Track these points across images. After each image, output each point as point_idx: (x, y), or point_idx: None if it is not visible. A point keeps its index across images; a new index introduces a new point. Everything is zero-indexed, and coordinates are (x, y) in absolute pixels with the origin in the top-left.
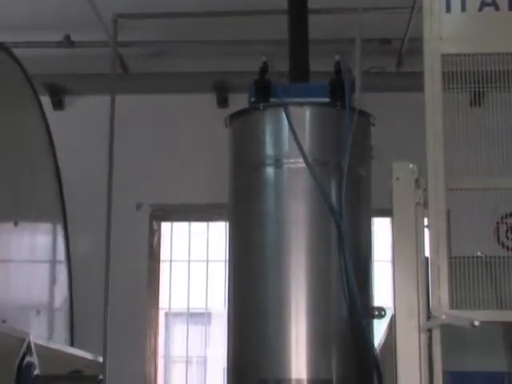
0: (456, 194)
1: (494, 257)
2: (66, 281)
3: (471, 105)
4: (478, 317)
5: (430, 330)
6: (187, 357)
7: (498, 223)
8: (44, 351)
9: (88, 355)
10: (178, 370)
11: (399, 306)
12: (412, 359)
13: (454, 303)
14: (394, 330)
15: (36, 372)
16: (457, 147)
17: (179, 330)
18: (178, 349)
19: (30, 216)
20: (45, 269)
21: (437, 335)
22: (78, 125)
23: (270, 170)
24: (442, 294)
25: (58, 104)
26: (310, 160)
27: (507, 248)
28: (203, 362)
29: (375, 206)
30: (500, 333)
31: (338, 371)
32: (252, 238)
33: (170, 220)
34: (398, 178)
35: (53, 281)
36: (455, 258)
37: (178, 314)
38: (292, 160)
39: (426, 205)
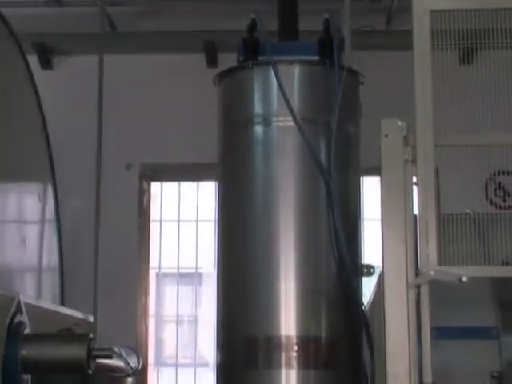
0: (445, 151)
1: (483, 214)
2: (55, 241)
3: (461, 63)
4: (465, 272)
5: (418, 287)
6: (178, 316)
7: (487, 181)
8: (34, 310)
9: (78, 314)
10: (169, 330)
11: (387, 263)
12: (400, 315)
13: (443, 259)
14: (383, 287)
15: (26, 331)
16: (446, 104)
17: (170, 290)
18: (168, 309)
19: (19, 177)
20: (34, 229)
21: (425, 291)
22: (66, 85)
23: (258, 129)
24: (430, 251)
25: (46, 64)
26: (298, 118)
27: (496, 205)
28: (194, 321)
29: (365, 164)
30: (488, 288)
31: (327, 328)
32: (240, 196)
33: (160, 180)
34: (386, 135)
35: (42, 241)
36: (444, 215)
37: (168, 275)
38: (281, 118)
39: (414, 162)
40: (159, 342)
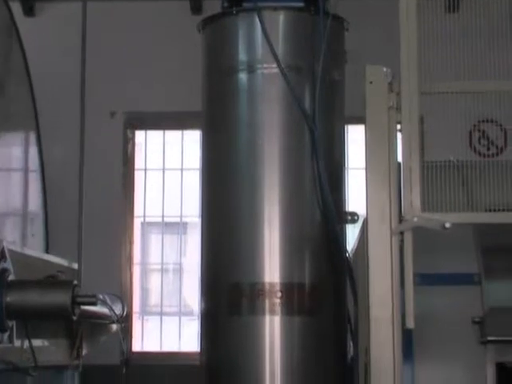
0: (430, 98)
1: (467, 162)
2: (39, 189)
3: (446, 11)
4: (449, 219)
5: (401, 233)
6: (162, 265)
7: (471, 129)
8: (18, 257)
9: (63, 262)
10: (153, 279)
11: (371, 210)
12: (384, 262)
13: (426, 206)
14: (366, 234)
15: (10, 277)
16: (431, 52)
17: (155, 239)
18: (153, 258)
19: (2, 124)
20: (18, 177)
21: (408, 237)
22: (49, 32)
23: (242, 76)
24: (413, 197)
25: (29, 11)
26: (283, 65)
27: (479, 153)
28: (179, 270)
29: (350, 113)
30: (470, 235)
31: (311, 275)
32: (225, 144)
33: (144, 128)
34: (371, 82)
35: (27, 189)
36: (428, 162)
37: (153, 224)
38: (265, 65)
39: (399, 109)
40: (144, 291)
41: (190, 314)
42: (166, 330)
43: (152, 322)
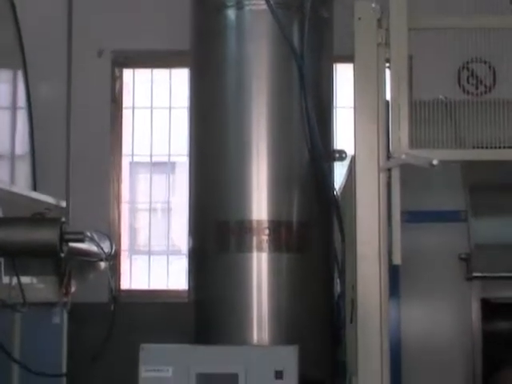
0: (419, 35)
1: (455, 100)
2: (27, 127)
3: None
4: (437, 156)
5: (389, 170)
6: (151, 204)
7: (460, 68)
8: (6, 195)
9: (50, 199)
10: (142, 218)
11: (359, 147)
12: (371, 199)
13: (414, 143)
14: (354, 171)
15: None
16: None
17: (143, 179)
18: (142, 197)
19: None
20: (5, 116)
21: (396, 175)
22: None
23: (231, 12)
24: (401, 134)
25: None
26: (271, 1)
27: (468, 92)
28: (167, 210)
29: (340, 52)
30: (458, 173)
31: (299, 213)
32: (213, 81)
33: (132, 67)
34: (359, 18)
35: (14, 127)
36: (416, 100)
37: (141, 164)
38: (253, 2)
39: (388, 45)
40: (132, 230)
41: (177, 253)
42: (154, 269)
43: (140, 261)
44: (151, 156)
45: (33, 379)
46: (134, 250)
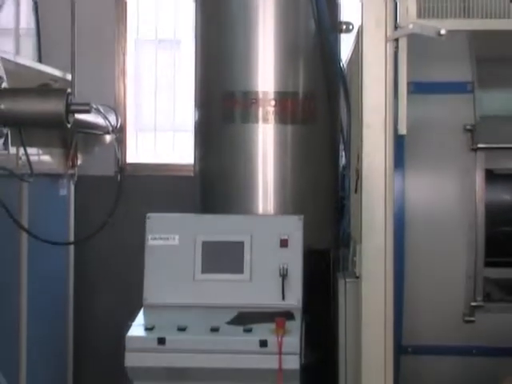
0: None
1: None
2: (31, 1)
3: None
4: (444, 26)
5: (396, 40)
6: (156, 80)
7: None
8: (11, 67)
9: (56, 72)
10: (147, 94)
11: (366, 17)
12: (378, 69)
13: (422, 13)
14: (361, 41)
15: (4, 85)
16: None
17: (148, 54)
18: (147, 73)
19: None
20: None
21: (403, 45)
22: None
23: None
24: (409, 4)
25: None
26: None
27: None
28: (173, 86)
29: None
30: (465, 43)
31: (305, 84)
32: None
33: None
34: None
35: (18, 1)
36: None
37: (146, 41)
38: None
39: None
40: (138, 107)
41: (183, 130)
42: (159, 145)
43: (146, 136)
44: (156, 33)
45: (41, 249)
46: (139, 127)
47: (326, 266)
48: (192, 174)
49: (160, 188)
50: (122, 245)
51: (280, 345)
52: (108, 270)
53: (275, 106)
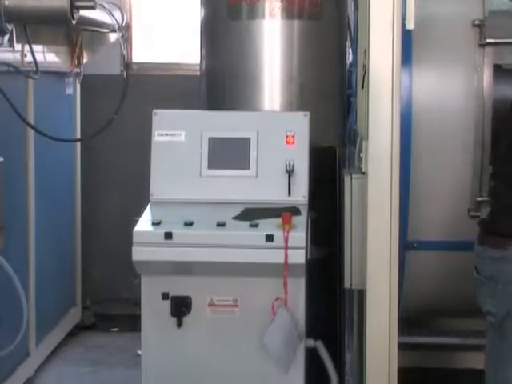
0: None
1: None
2: None
3: None
4: None
5: None
6: None
7: None
8: None
9: None
10: None
11: None
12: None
13: None
14: None
15: None
16: None
17: None
18: None
19: None
20: None
21: None
22: None
23: None
24: None
25: None
26: None
27: None
28: None
29: None
30: None
31: None
32: None
33: None
34: None
35: None
36: None
37: None
38: None
39: None
40: (143, 5)
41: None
42: (165, 44)
43: (151, 36)
44: None
45: (48, 146)
46: (144, 25)
47: (333, 163)
48: (198, 74)
49: (166, 87)
50: (129, 142)
51: (286, 239)
52: (114, 168)
53: (282, 0)
